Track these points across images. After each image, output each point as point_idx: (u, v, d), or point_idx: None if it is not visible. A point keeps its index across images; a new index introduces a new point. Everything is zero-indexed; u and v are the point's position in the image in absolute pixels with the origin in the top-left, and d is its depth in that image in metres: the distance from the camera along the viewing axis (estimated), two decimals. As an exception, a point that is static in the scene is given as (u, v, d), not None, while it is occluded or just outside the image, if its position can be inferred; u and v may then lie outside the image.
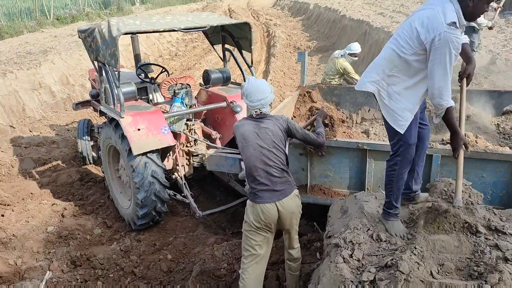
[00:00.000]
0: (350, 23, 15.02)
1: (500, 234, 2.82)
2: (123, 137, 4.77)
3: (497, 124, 4.94)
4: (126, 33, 4.66)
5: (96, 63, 5.20)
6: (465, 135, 4.17)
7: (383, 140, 4.70)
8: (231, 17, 25.28)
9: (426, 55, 2.61)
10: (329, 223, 3.40)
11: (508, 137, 4.82)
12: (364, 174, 3.82)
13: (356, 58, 7.00)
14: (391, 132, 2.89)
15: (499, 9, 7.39)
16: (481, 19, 6.70)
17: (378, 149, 3.72)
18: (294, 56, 14.97)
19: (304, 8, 24.02)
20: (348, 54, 6.87)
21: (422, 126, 3.03)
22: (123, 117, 4.70)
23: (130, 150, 4.66)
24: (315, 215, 4.33)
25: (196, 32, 5.31)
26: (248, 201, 3.12)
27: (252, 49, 5.44)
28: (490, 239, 2.74)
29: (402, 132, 2.80)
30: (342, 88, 5.77)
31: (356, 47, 6.94)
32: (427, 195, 3.29)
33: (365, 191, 3.81)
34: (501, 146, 4.28)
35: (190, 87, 5.57)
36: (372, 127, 5.18)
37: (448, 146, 3.65)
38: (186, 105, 5.48)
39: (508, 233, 2.80)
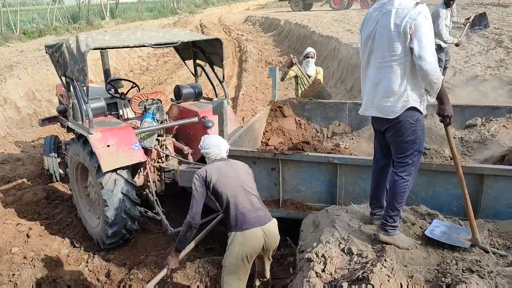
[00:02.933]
0: (320, 39, 15.35)
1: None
2: (91, 153, 4.67)
3: (461, 137, 5.12)
4: (95, 49, 4.61)
5: (63, 78, 5.09)
6: (432, 149, 4.33)
7: (354, 154, 4.80)
8: (202, 32, 25.38)
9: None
10: (302, 238, 3.42)
11: (472, 149, 5.01)
12: (335, 188, 3.87)
13: (313, 59, 6.93)
14: (406, 143, 2.89)
15: (468, 24, 7.66)
16: (447, 37, 6.95)
17: (348, 163, 3.79)
18: (266, 70, 15.12)
19: (275, 24, 24.37)
20: (302, 57, 6.87)
21: None
22: (91, 133, 4.61)
23: (99, 167, 4.56)
24: (288, 230, 4.34)
25: (167, 47, 5.31)
26: (232, 233, 3.01)
27: (224, 64, 5.48)
28: (456, 250, 2.82)
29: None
30: (313, 103, 5.87)
31: (308, 49, 6.97)
32: None
33: (336, 204, 3.86)
34: (464, 159, 4.46)
35: (161, 102, 5.52)
36: (343, 141, 5.28)
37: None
38: (157, 120, 5.43)
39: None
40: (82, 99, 4.68)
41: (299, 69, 6.58)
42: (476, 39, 12.55)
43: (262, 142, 5.39)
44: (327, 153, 4.60)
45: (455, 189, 3.65)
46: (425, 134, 5.11)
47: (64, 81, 5.09)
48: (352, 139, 5.23)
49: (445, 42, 6.98)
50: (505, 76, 7.82)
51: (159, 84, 13.60)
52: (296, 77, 6.75)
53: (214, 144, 3.26)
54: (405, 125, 2.85)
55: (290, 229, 4.26)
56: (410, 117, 2.84)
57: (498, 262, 2.72)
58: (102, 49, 5.67)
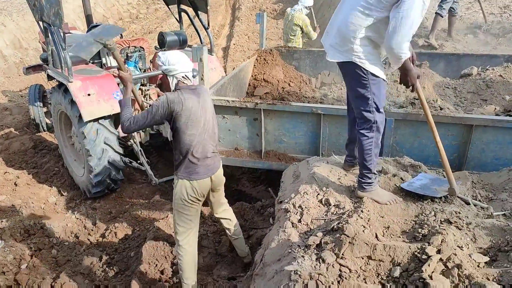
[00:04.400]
0: (318, -15, 14.67)
1: (446, 197, 2.85)
2: (72, 102, 4.53)
3: (455, 87, 4.96)
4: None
5: (41, 23, 4.84)
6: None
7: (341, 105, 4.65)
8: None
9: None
10: (282, 189, 3.36)
11: (465, 100, 4.87)
12: (319, 139, 3.77)
13: (309, 11, 6.95)
14: (359, 97, 2.69)
15: None
16: None
17: (332, 113, 3.66)
18: (265, 13, 14.57)
19: (273, -32, 23.28)
20: (305, 7, 6.76)
21: None
22: (71, 82, 4.44)
23: (80, 116, 4.44)
24: (272, 180, 4.30)
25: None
26: (179, 180, 2.92)
27: (208, 10, 5.18)
28: (436, 202, 2.76)
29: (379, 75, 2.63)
30: (302, 52, 5.64)
31: (310, 1, 6.86)
32: None
33: (319, 156, 3.78)
34: (456, 109, 4.32)
35: (144, 50, 5.30)
36: (331, 92, 5.11)
37: (402, 110, 3.65)
38: (140, 69, 5.23)
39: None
40: (59, 45, 4.47)
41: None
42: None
43: (247, 92, 5.23)
44: (313, 103, 4.45)
45: (442, 140, 3.53)
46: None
47: (42, 27, 4.84)
48: (341, 89, 5.05)
49: None
50: (508, 23, 7.51)
51: (149, 33, 13.15)
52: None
53: (177, 59, 2.85)
54: (354, 75, 2.64)
55: (273, 179, 4.23)
56: (359, 68, 2.61)
57: (478, 213, 2.67)
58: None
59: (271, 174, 4.10)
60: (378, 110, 2.67)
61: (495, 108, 4.33)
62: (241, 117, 3.94)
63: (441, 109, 3.71)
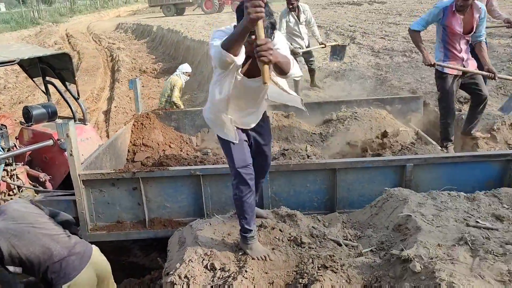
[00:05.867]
0: (193, 44, 15.29)
1: (322, 240, 3.05)
2: None
3: (320, 133, 5.45)
4: None
5: None
6: (290, 150, 4.49)
7: (222, 161, 4.78)
8: (69, 43, 23.52)
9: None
10: (168, 258, 3.26)
11: (331, 143, 5.37)
12: (202, 199, 3.80)
13: (189, 78, 7.51)
14: (226, 157, 2.87)
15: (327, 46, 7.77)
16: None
17: (210, 173, 3.74)
18: (141, 79, 14.54)
19: (148, 30, 23.67)
20: (183, 73, 7.17)
21: (259, 145, 3.00)
22: None
23: None
24: (164, 245, 4.14)
25: (5, 66, 4.68)
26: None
27: (77, 80, 5.03)
28: (312, 248, 2.93)
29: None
30: (180, 112, 5.75)
31: (188, 67, 7.47)
32: (266, 211, 3.41)
33: (204, 216, 3.79)
34: (322, 153, 4.74)
35: (6, 127, 4.87)
36: (211, 149, 5.24)
37: (274, 162, 3.88)
38: (3, 148, 4.77)
39: (328, 238, 3.05)
40: None
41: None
42: (334, 36, 13.68)
43: (127, 159, 5.10)
44: (193, 164, 4.50)
45: (313, 186, 3.84)
46: (287, 133, 5.39)
47: None
48: (218, 147, 5.21)
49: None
50: (357, 70, 8.61)
51: (19, 103, 12.20)
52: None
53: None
54: (220, 140, 2.85)
55: (165, 244, 4.08)
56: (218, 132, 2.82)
57: (350, 253, 2.89)
58: None
59: (159, 243, 3.96)
60: (235, 168, 2.77)
61: (356, 148, 4.86)
62: (119, 188, 3.81)
63: (308, 157, 4.03)
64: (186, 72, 7.47)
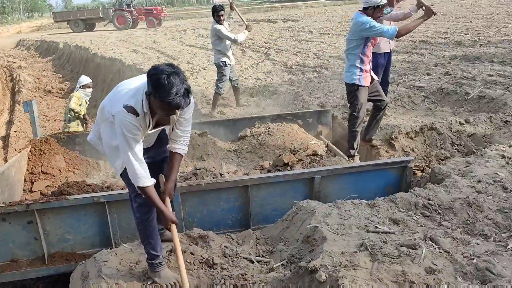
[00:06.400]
0: (103, 61, 14.66)
1: (235, 259, 2.99)
2: None
3: (235, 149, 5.46)
4: None
5: None
6: (202, 169, 4.42)
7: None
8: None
9: None
10: (71, 296, 2.99)
11: (245, 159, 5.39)
12: (108, 228, 3.55)
13: (91, 90, 6.82)
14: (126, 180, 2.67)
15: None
16: (238, 36, 7.11)
17: (117, 199, 3.52)
18: (46, 100, 13.59)
19: (53, 47, 22.30)
20: (80, 87, 6.59)
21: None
22: None
23: None
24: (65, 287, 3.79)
25: None
26: None
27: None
28: (225, 268, 2.87)
29: None
30: (84, 135, 5.38)
31: (84, 79, 6.76)
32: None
33: (113, 246, 3.54)
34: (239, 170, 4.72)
35: None
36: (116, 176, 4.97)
37: (185, 183, 3.78)
38: None
39: (240, 256, 3.01)
40: None
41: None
42: (249, 53, 13.99)
43: (24, 189, 4.64)
44: (99, 190, 4.20)
45: (226, 204, 3.80)
46: (201, 151, 5.31)
47: None
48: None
49: (236, 42, 7.11)
50: (271, 86, 8.83)
51: None
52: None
53: None
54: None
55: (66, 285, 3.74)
56: None
57: (262, 269, 2.88)
58: None
59: (67, 275, 3.61)
60: (134, 190, 2.63)
61: (269, 163, 4.93)
62: (11, 224, 3.42)
63: (221, 175, 3.98)
64: (83, 85, 6.65)
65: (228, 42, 7.02)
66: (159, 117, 2.52)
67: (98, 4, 70.51)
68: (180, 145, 2.76)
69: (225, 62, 7.06)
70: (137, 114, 2.40)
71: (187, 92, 2.33)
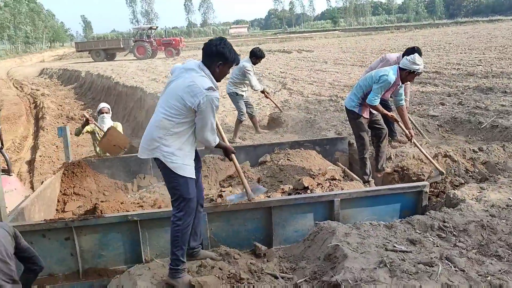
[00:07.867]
0: (125, 89, 15.22)
1: (260, 275, 3.18)
2: None
3: (256, 174, 5.67)
4: None
5: None
6: (227, 190, 4.64)
7: (161, 206, 4.79)
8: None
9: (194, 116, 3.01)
10: (106, 308, 3.19)
11: (266, 184, 5.59)
12: (140, 245, 3.77)
13: (106, 115, 6.54)
14: (170, 189, 3.11)
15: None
16: (257, 85, 7.57)
17: (149, 217, 3.75)
18: (68, 126, 14.08)
19: (76, 75, 23.16)
20: (96, 113, 6.71)
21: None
22: None
23: None
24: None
25: None
26: None
27: (0, 128, 4.86)
28: (251, 283, 3.05)
29: (183, 174, 3.03)
30: (114, 159, 5.69)
31: (100, 105, 6.76)
32: (208, 252, 3.53)
33: (143, 262, 3.76)
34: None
35: None
36: (149, 194, 5.23)
37: (211, 204, 4.00)
38: None
39: (265, 272, 3.19)
40: None
41: (96, 126, 6.33)
42: (266, 82, 14.40)
43: (57, 209, 4.91)
44: (129, 210, 4.46)
45: (251, 224, 4.00)
46: (224, 174, 5.53)
47: None
48: (155, 191, 5.23)
49: (253, 88, 7.53)
50: (288, 115, 9.12)
51: None
52: (93, 133, 6.45)
53: None
54: (164, 170, 3.08)
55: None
56: (165, 165, 3.06)
57: (286, 285, 3.05)
58: None
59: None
60: (185, 199, 3.05)
61: (289, 187, 5.12)
62: (50, 240, 3.67)
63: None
64: (98, 110, 6.53)
65: (247, 81, 7.38)
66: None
67: (117, 35, 72.95)
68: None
69: (236, 92, 7.40)
70: (217, 88, 3.05)
71: None
